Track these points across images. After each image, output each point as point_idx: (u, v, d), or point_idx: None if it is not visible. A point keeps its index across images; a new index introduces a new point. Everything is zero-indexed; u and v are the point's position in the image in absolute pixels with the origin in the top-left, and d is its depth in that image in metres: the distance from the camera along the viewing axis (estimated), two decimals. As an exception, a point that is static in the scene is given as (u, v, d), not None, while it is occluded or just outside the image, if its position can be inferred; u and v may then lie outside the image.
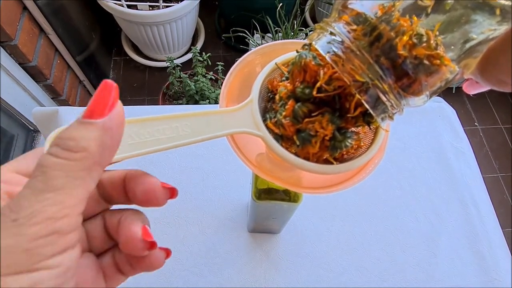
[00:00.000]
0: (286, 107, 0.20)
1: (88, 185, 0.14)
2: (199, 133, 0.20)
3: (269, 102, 0.23)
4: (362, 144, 0.22)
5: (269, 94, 0.23)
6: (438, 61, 0.16)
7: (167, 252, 0.20)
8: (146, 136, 0.19)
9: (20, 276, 0.12)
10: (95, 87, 1.37)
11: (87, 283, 0.18)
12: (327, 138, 0.20)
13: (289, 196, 0.35)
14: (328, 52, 0.17)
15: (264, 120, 0.21)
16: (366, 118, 0.20)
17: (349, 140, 0.20)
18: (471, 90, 0.19)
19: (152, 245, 0.18)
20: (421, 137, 0.61)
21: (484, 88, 0.18)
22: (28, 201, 0.13)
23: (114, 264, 0.20)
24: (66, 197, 0.13)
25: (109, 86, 0.15)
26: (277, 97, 0.21)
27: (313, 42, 0.18)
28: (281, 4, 1.11)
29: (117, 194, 0.20)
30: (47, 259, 0.13)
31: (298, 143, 0.20)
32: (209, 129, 0.20)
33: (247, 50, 1.50)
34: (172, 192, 0.19)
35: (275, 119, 0.21)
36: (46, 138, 0.17)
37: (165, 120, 0.20)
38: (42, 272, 0.13)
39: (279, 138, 0.21)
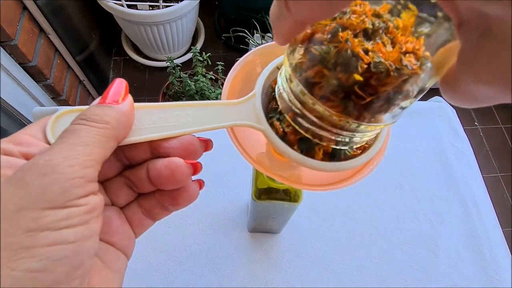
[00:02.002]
0: (286, 118, 0.20)
1: (105, 151, 0.17)
2: (200, 123, 0.20)
3: (273, 101, 0.23)
4: (366, 144, 0.22)
5: (273, 93, 0.23)
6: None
7: (200, 183, 0.22)
8: (148, 123, 0.19)
9: (56, 210, 0.15)
10: (95, 87, 1.37)
11: (113, 232, 0.20)
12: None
13: (289, 196, 0.35)
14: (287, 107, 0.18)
15: (270, 118, 0.21)
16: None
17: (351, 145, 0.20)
18: None
19: (196, 165, 0.20)
20: (421, 137, 0.60)
21: None
22: (61, 150, 0.16)
23: (140, 211, 0.21)
24: (92, 152, 0.16)
25: (122, 82, 0.19)
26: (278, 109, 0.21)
27: (276, 95, 0.19)
28: (281, 4, 1.11)
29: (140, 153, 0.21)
30: (77, 199, 0.15)
31: (299, 151, 0.20)
32: (210, 120, 0.20)
33: (247, 50, 1.50)
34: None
35: (278, 122, 0.21)
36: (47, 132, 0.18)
37: (168, 109, 0.20)
38: (73, 208, 0.15)
39: (284, 141, 0.21)
